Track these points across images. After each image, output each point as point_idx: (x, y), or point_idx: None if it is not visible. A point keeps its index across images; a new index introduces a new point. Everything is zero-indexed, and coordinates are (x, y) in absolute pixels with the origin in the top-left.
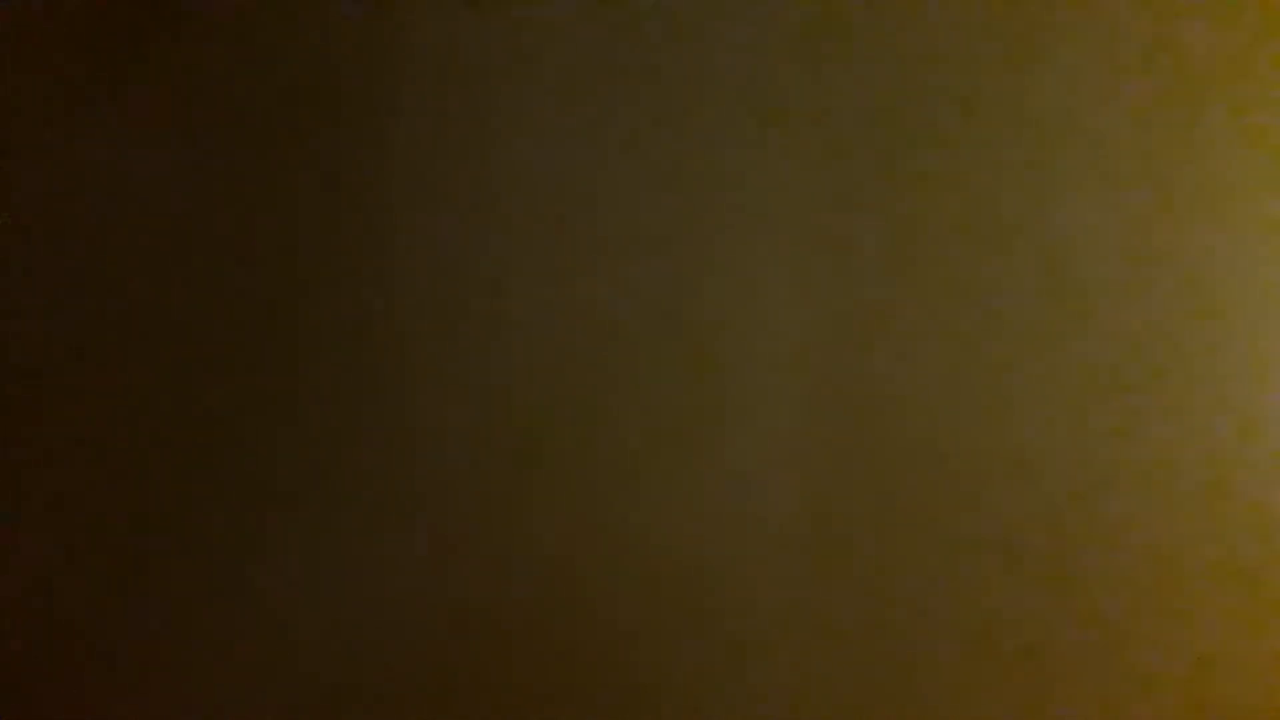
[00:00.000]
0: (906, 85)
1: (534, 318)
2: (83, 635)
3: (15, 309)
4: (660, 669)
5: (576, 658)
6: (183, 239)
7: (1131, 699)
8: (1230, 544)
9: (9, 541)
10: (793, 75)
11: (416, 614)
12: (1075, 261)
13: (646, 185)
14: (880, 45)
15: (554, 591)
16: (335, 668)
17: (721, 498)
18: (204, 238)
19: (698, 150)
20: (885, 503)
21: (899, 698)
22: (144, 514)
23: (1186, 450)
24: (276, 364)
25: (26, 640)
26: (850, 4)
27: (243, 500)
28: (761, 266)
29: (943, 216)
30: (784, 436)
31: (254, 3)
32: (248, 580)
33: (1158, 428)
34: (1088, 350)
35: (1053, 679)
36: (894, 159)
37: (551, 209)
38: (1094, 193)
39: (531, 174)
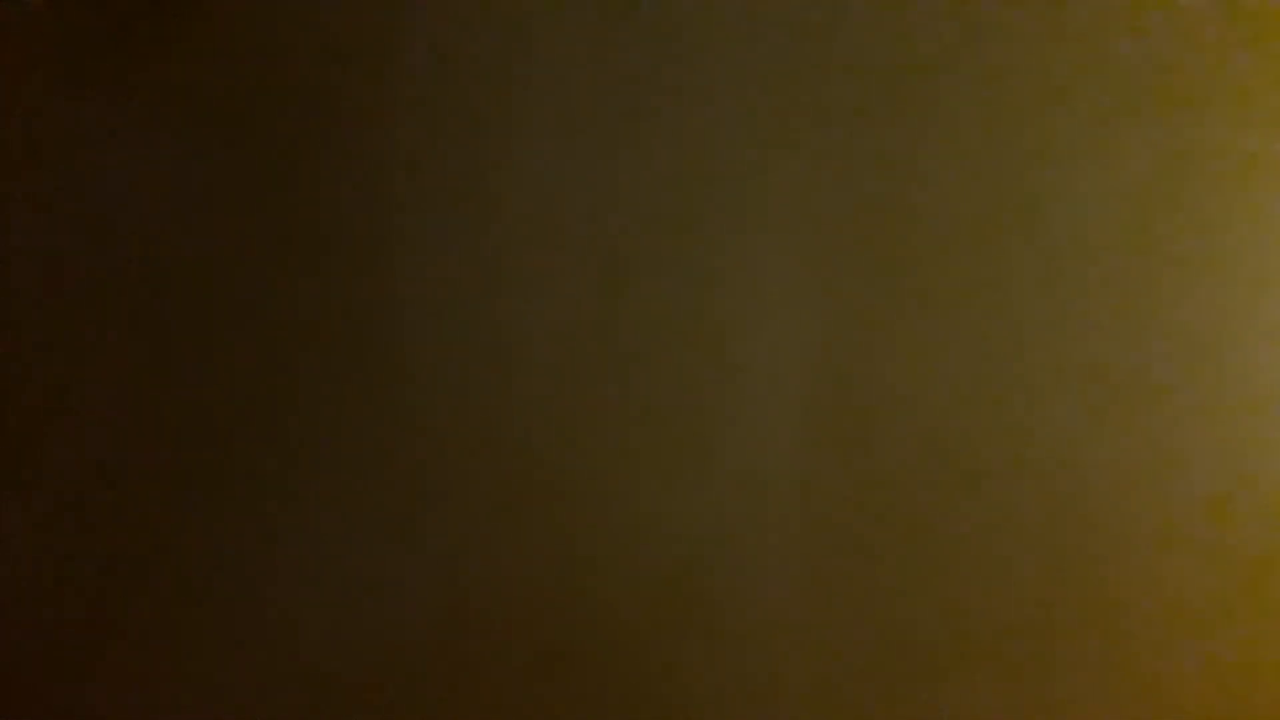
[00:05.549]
0: (909, 81)
1: (535, 317)
2: (84, 635)
3: (15, 309)
4: (661, 667)
5: (578, 657)
6: (182, 238)
7: (1139, 698)
8: (1240, 541)
9: (9, 541)
10: (795, 75)
11: (418, 613)
12: (1079, 254)
13: (648, 184)
14: (882, 42)
15: (555, 591)
16: (338, 667)
17: (723, 497)
18: (204, 237)
19: (698, 149)
20: (888, 502)
21: (901, 696)
22: (145, 514)
23: (1193, 446)
24: (276, 363)
25: (27, 640)
26: (851, 2)
27: (243, 500)
28: (762, 266)
29: (947, 213)
30: (786, 435)
31: (254, 2)
32: (249, 579)
33: (1164, 423)
34: (1092, 345)
35: (1058, 678)
36: (897, 156)
37: (552, 209)
38: (1097, 183)
39: (532, 174)
